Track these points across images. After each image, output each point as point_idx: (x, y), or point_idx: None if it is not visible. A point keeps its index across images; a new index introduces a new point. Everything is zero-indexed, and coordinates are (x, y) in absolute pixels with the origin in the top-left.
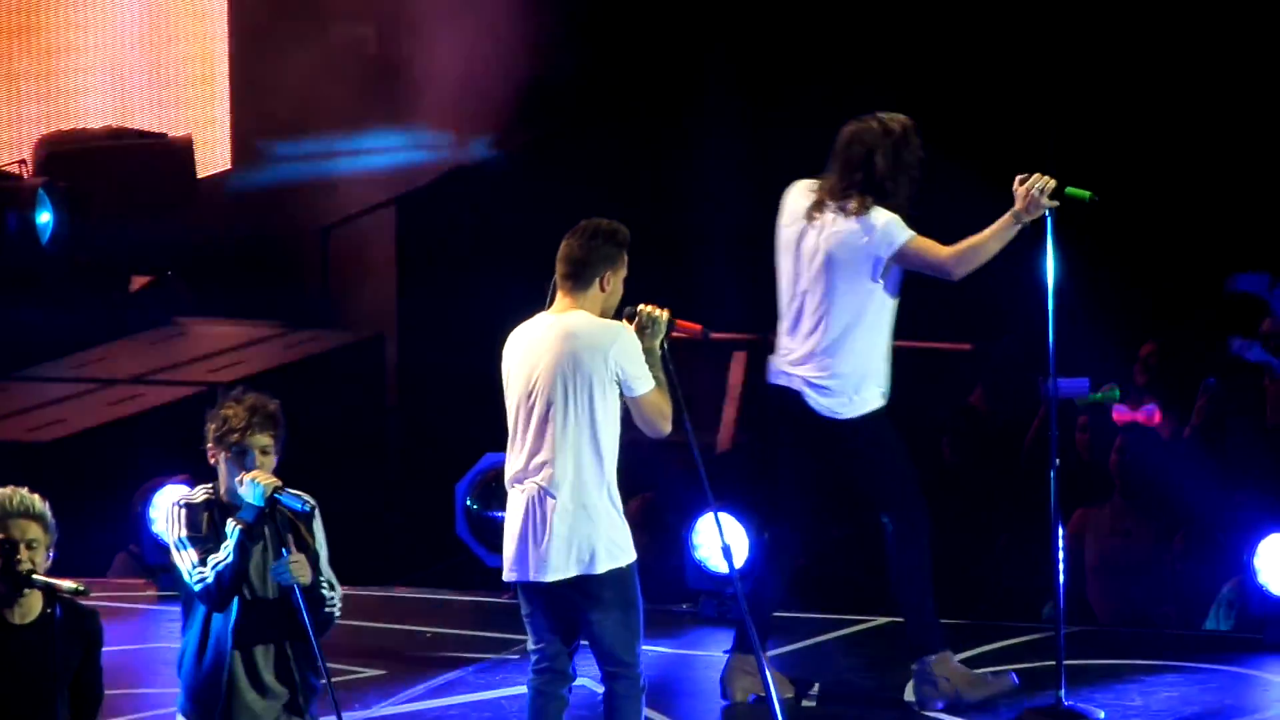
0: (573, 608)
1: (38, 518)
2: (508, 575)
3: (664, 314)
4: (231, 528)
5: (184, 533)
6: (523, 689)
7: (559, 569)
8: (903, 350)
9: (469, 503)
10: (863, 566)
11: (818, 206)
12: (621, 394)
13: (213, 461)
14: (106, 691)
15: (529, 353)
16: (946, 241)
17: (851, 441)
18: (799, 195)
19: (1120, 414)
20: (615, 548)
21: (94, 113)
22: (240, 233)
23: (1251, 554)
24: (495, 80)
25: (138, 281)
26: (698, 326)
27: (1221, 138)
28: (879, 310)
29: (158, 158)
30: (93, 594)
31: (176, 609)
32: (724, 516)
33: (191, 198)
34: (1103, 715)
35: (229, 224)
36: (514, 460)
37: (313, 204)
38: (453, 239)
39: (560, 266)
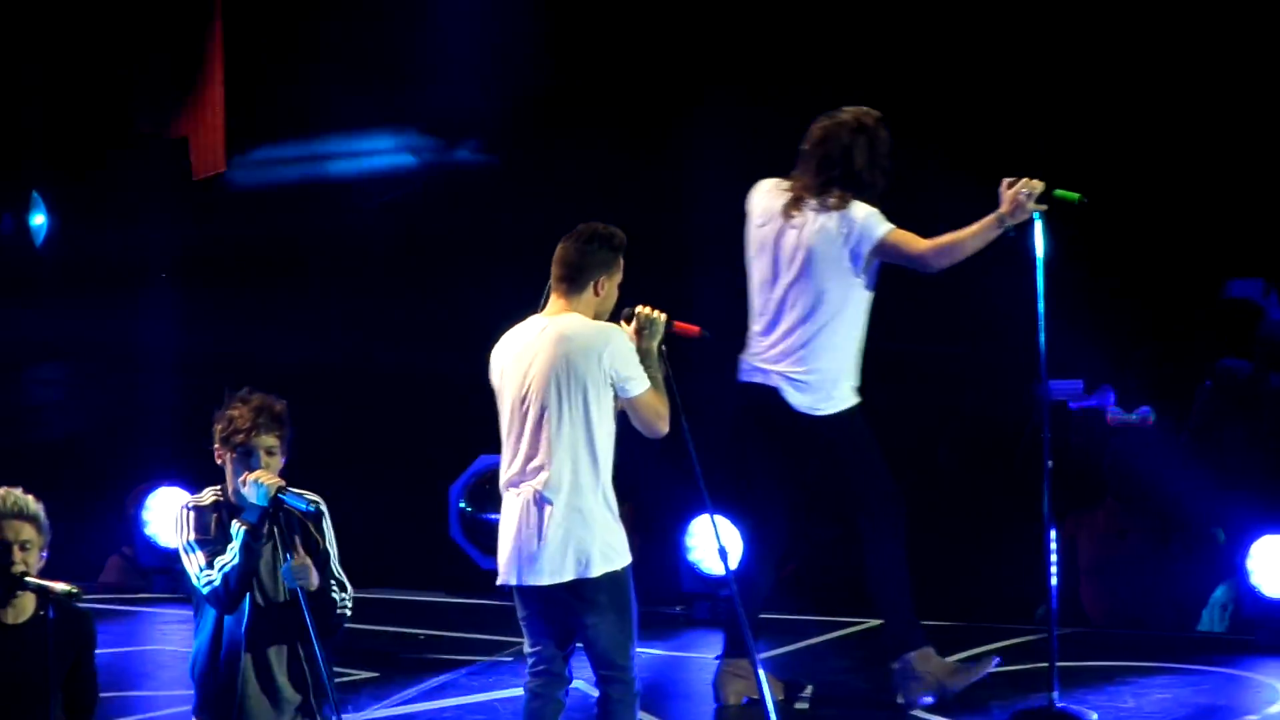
0: (568, 611)
1: (31, 519)
2: (503, 579)
3: (661, 315)
4: (236, 529)
5: (192, 536)
6: (516, 691)
7: (554, 573)
8: (896, 353)
9: (463, 505)
10: (855, 568)
11: (795, 204)
12: (617, 396)
13: (220, 462)
14: (101, 694)
15: (522, 356)
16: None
17: (827, 438)
18: (769, 195)
19: (1114, 417)
20: (611, 551)
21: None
22: (234, 234)
23: (1244, 556)
24: (488, 82)
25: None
26: (695, 328)
27: (1219, 142)
28: (858, 305)
29: (153, 159)
30: (86, 596)
31: (169, 611)
32: (720, 518)
33: (186, 199)
34: (1095, 717)
35: (223, 226)
36: (508, 464)
37: (306, 206)
38: (446, 241)
39: (555, 269)
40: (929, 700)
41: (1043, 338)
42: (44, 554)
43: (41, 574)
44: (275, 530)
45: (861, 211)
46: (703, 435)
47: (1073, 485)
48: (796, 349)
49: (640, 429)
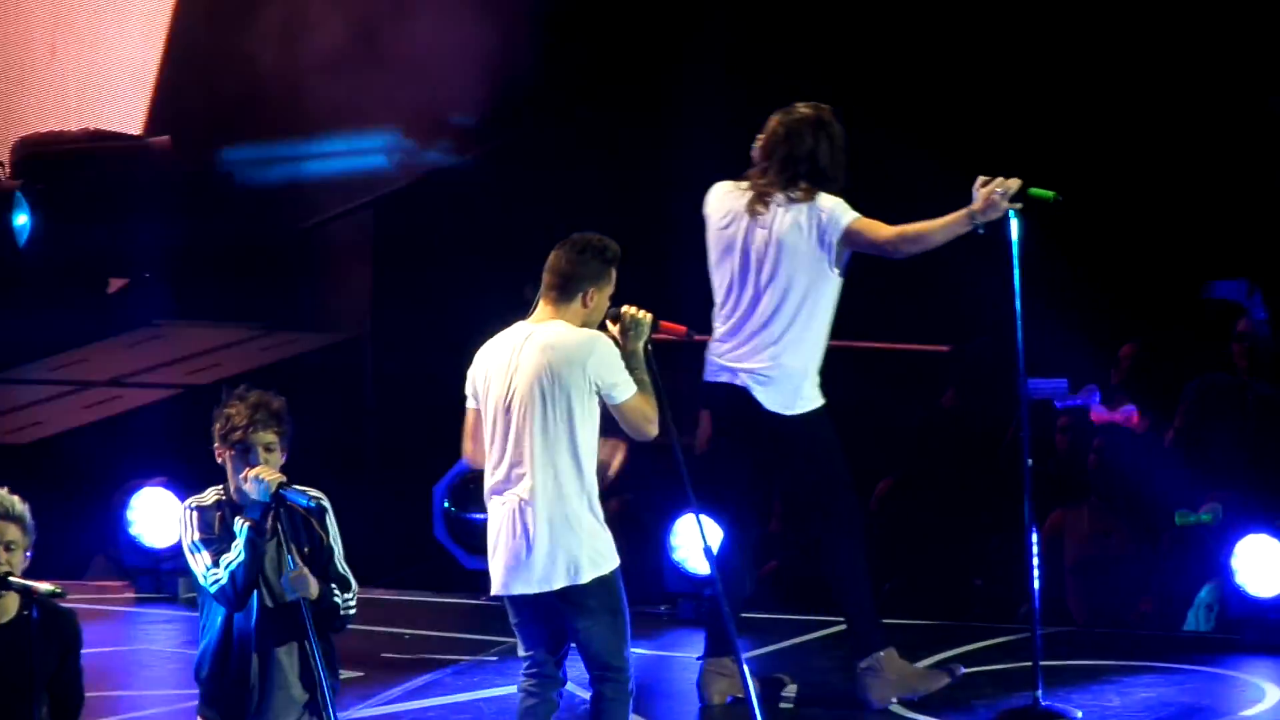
0: (560, 616)
1: (16, 519)
2: (495, 589)
3: (647, 316)
4: (240, 526)
5: (196, 536)
6: (501, 690)
7: (544, 581)
8: (879, 352)
9: (447, 505)
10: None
11: (760, 201)
12: (603, 401)
13: (220, 460)
14: (86, 694)
15: (507, 363)
16: None
17: (792, 438)
18: (729, 195)
19: (1098, 415)
20: (599, 556)
21: (71, 114)
22: (218, 235)
23: (1229, 555)
24: (471, 82)
25: (115, 284)
26: (681, 328)
27: (1201, 143)
28: (828, 300)
29: (135, 160)
30: (70, 596)
31: (154, 611)
32: (705, 518)
33: (169, 200)
34: (1080, 715)
35: (206, 226)
36: (493, 471)
37: (290, 207)
38: (429, 242)
39: (546, 276)
40: (911, 699)
41: (1020, 335)
42: (28, 554)
43: (25, 574)
44: (279, 527)
45: (828, 201)
46: (689, 435)
47: (1057, 484)
48: (767, 345)
49: (628, 433)
